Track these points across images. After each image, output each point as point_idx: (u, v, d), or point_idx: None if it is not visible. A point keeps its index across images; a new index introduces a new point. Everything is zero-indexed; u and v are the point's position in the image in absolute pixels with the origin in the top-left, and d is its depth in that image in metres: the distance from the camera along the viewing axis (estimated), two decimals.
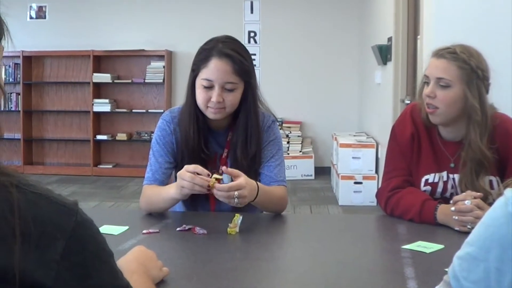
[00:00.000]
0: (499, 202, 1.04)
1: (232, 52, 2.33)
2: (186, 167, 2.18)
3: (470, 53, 2.28)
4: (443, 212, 2.19)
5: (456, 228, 2.12)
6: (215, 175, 2.15)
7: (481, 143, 2.27)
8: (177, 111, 2.52)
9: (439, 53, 2.31)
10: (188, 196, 2.23)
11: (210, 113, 2.38)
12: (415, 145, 2.41)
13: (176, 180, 2.29)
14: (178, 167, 2.39)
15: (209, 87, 2.34)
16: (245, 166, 2.39)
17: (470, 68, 2.25)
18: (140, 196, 2.44)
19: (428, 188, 2.39)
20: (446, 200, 2.29)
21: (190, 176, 2.13)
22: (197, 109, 2.41)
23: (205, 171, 2.16)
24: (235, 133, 2.45)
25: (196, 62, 2.39)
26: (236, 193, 2.12)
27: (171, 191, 2.26)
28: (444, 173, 2.39)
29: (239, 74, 2.34)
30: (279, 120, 8.53)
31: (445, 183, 2.39)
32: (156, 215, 2.38)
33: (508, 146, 2.32)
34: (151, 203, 2.38)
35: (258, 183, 2.29)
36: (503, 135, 2.33)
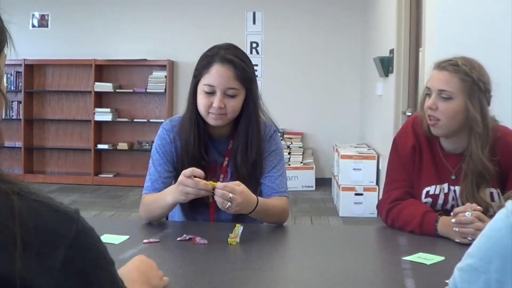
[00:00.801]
0: (500, 214, 1.04)
1: (234, 58, 2.35)
2: (184, 172, 2.17)
3: (472, 66, 2.28)
4: (444, 224, 2.19)
5: (457, 240, 2.12)
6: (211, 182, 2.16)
7: (482, 155, 2.27)
8: (177, 120, 2.52)
9: (441, 65, 2.31)
10: (188, 200, 2.23)
11: (211, 119, 2.38)
12: (416, 157, 2.41)
13: None
14: (178, 175, 2.39)
15: (211, 93, 2.34)
16: (245, 173, 2.39)
17: (472, 81, 2.25)
18: (140, 205, 2.43)
19: (429, 200, 2.39)
20: (447, 212, 2.29)
21: (194, 182, 2.14)
22: (198, 116, 2.41)
23: (202, 173, 2.16)
24: (236, 141, 2.45)
25: (198, 68, 2.40)
26: (230, 194, 2.13)
27: (167, 198, 2.26)
28: (445, 185, 2.39)
29: (240, 80, 2.34)
30: (280, 130, 8.51)
31: (446, 195, 2.38)
32: (157, 225, 2.38)
33: (510, 159, 2.32)
34: (149, 211, 2.37)
35: (260, 198, 2.28)
36: (505, 148, 2.33)
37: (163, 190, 2.35)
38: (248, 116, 2.42)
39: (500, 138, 2.33)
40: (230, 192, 2.13)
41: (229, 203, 2.13)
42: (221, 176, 2.45)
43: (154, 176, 2.44)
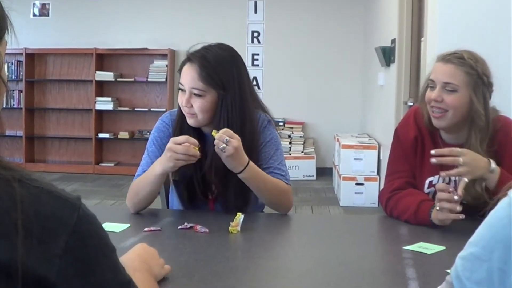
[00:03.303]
0: (503, 203, 1.04)
1: (201, 59, 2.34)
2: (175, 139, 2.20)
3: (476, 59, 2.28)
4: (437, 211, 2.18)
5: (439, 218, 2.13)
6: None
7: (481, 149, 2.27)
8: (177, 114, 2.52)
9: (446, 58, 2.30)
10: (177, 167, 2.24)
11: (187, 119, 2.39)
12: (418, 147, 2.41)
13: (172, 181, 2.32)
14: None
15: (183, 91, 2.37)
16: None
17: (477, 74, 2.25)
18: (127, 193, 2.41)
19: (432, 189, 2.39)
20: None
21: (183, 148, 2.16)
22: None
23: (196, 142, 2.20)
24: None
25: (180, 67, 2.44)
26: (226, 137, 2.18)
27: (156, 168, 2.26)
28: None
29: (204, 81, 2.33)
30: (281, 120, 8.53)
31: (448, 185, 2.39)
32: (158, 214, 2.38)
33: (505, 148, 2.31)
34: (137, 192, 2.35)
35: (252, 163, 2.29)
36: (503, 138, 2.32)
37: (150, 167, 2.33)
38: (222, 119, 2.36)
39: (500, 129, 2.33)
40: (229, 136, 2.18)
41: (223, 144, 2.17)
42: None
43: (148, 167, 2.39)
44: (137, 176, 2.42)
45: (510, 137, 2.33)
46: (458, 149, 2.19)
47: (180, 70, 2.41)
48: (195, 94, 2.34)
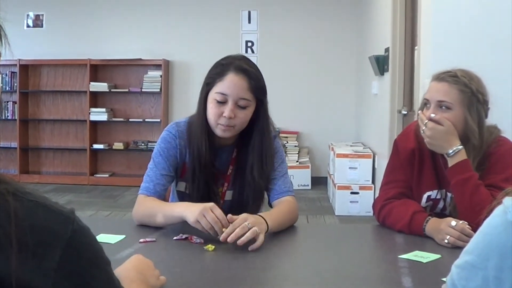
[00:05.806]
0: (497, 211, 1.04)
1: (249, 68, 2.34)
2: (215, 208, 2.08)
3: (471, 77, 2.29)
4: (433, 226, 2.17)
5: (441, 242, 2.10)
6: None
7: (473, 167, 2.27)
8: (184, 125, 2.46)
9: (440, 77, 2.32)
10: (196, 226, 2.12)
11: (219, 131, 2.34)
12: (416, 160, 2.40)
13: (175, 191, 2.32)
14: (187, 180, 2.40)
15: (222, 102, 2.31)
16: (262, 186, 2.41)
17: (471, 92, 2.26)
18: (135, 205, 2.37)
19: (430, 203, 2.40)
20: (444, 216, 2.27)
21: (213, 218, 2.04)
22: (208, 124, 2.37)
23: (227, 222, 2.06)
24: (251, 154, 2.41)
25: (211, 75, 2.36)
26: (246, 223, 2.04)
27: (180, 211, 2.16)
28: (444, 191, 2.39)
29: (253, 91, 2.33)
30: (276, 129, 8.51)
31: (445, 200, 2.39)
32: None
33: (495, 167, 2.30)
34: (149, 215, 2.29)
35: (262, 214, 2.20)
36: (493, 159, 2.31)
37: (173, 203, 2.35)
38: (261, 128, 2.40)
39: (493, 152, 2.31)
40: (243, 221, 2.05)
41: (254, 229, 2.03)
42: (225, 184, 2.44)
43: (157, 180, 2.36)
44: (146, 188, 2.36)
45: (499, 158, 2.31)
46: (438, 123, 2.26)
47: (212, 82, 2.34)
48: (239, 106, 2.32)
